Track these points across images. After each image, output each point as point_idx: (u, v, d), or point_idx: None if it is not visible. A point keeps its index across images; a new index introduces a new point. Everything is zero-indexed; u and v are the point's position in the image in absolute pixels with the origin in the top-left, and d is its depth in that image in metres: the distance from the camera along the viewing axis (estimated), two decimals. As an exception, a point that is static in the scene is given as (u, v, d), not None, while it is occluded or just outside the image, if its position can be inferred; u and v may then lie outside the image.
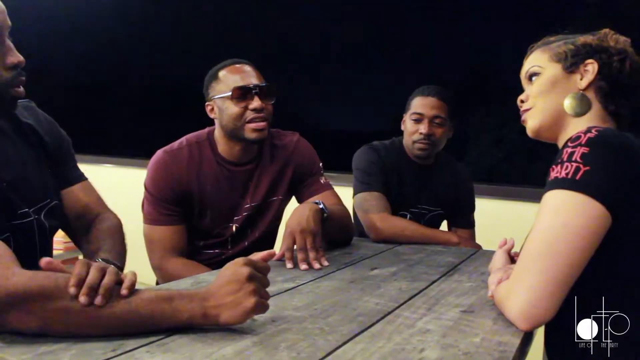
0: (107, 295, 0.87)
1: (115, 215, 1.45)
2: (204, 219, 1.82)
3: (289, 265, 1.52)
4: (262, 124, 1.75)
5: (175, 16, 4.90)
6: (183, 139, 1.86)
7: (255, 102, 1.73)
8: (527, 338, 1.03)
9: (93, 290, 0.87)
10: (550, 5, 3.37)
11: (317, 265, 1.52)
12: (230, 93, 1.73)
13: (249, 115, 1.74)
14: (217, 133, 1.84)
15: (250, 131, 1.75)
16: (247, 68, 1.79)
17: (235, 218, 1.85)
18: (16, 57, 1.14)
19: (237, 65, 1.80)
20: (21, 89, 1.16)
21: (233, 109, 1.74)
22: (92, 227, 1.38)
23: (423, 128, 2.13)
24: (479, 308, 1.17)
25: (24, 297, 0.84)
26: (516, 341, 0.97)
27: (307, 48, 4.32)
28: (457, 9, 3.78)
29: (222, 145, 1.84)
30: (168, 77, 5.23)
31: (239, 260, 0.99)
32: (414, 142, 2.17)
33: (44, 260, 0.90)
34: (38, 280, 0.85)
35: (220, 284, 0.96)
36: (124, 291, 0.89)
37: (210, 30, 4.65)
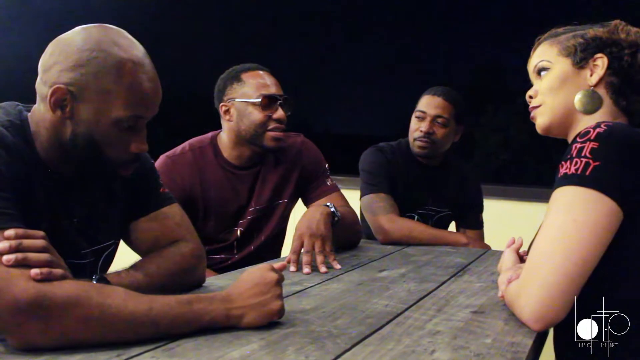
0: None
1: (196, 243, 1.28)
2: (208, 224, 1.81)
3: (292, 268, 1.50)
4: (282, 134, 1.78)
5: (180, 22, 4.90)
6: (186, 144, 1.85)
7: (280, 113, 1.76)
8: (540, 338, 1.01)
9: None
10: (556, 5, 3.36)
11: (323, 269, 1.50)
12: (258, 100, 1.74)
13: (271, 124, 1.76)
14: (226, 136, 1.83)
15: (270, 140, 1.77)
16: (271, 77, 1.81)
17: (240, 222, 1.84)
18: (142, 146, 1.08)
19: (261, 72, 1.81)
20: (128, 171, 1.12)
21: (257, 115, 1.75)
22: None
23: (424, 126, 2.12)
24: (489, 309, 1.16)
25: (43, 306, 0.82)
26: (529, 342, 0.95)
27: (313, 51, 4.31)
28: (463, 10, 3.77)
29: (229, 149, 1.83)
30: (173, 83, 5.23)
31: (265, 265, 1.03)
32: (415, 139, 2.16)
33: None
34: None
35: (245, 286, 0.98)
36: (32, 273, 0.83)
37: (216, 36, 4.65)
